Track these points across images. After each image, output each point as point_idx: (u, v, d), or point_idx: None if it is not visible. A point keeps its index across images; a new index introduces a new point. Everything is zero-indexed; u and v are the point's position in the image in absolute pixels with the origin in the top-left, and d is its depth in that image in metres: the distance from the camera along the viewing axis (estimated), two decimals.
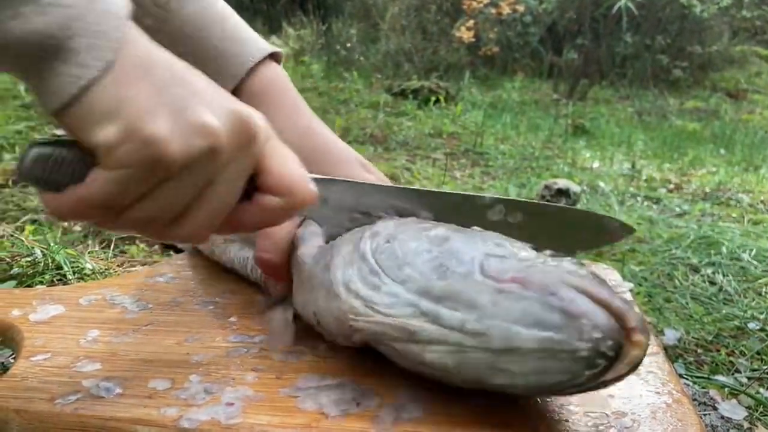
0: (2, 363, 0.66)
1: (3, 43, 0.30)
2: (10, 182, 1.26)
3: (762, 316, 1.03)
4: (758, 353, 0.91)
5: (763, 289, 1.18)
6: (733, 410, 0.73)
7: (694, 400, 0.76)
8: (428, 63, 5.44)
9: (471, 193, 0.53)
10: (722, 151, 3.32)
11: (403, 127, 2.80)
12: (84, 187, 0.34)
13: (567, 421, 0.40)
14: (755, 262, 1.32)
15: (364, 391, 0.42)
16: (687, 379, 0.82)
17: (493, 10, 5.81)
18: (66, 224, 1.03)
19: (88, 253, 0.93)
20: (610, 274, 0.70)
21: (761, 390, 0.80)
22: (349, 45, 5.70)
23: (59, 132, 1.73)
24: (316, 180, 0.43)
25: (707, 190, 2.24)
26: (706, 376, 0.83)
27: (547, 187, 1.77)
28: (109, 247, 0.96)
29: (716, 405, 0.75)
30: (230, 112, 0.35)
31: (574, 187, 1.76)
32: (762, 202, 2.09)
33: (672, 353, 0.91)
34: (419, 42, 5.62)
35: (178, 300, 0.58)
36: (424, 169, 2.03)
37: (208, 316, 0.55)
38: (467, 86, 4.74)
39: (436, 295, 0.38)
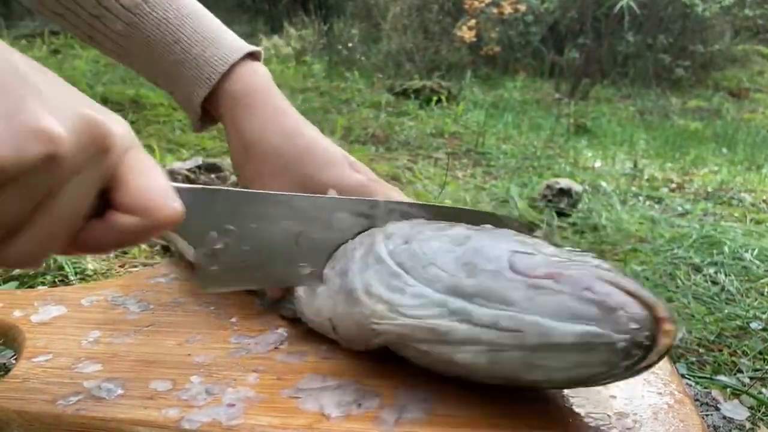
0: (4, 364, 0.66)
1: None
2: None
3: (764, 316, 1.03)
4: (760, 353, 0.91)
5: (766, 289, 1.18)
6: (735, 410, 0.73)
7: (696, 400, 0.75)
8: (430, 63, 5.44)
9: (365, 198, 0.51)
10: (724, 150, 3.32)
11: (404, 126, 2.80)
12: None
13: (570, 422, 0.40)
14: (757, 262, 1.32)
15: (366, 392, 0.42)
16: (689, 379, 0.82)
17: (495, 10, 5.81)
18: None
19: None
20: None
21: (763, 390, 0.80)
22: (350, 45, 5.70)
23: None
24: (192, 191, 0.40)
25: (709, 189, 2.24)
26: (708, 376, 0.83)
27: (548, 186, 1.77)
28: None
29: (718, 405, 0.75)
30: (78, 117, 0.30)
31: (576, 187, 1.76)
32: (764, 201, 2.09)
33: (674, 353, 0.91)
34: (421, 42, 5.62)
35: (179, 301, 0.59)
36: (425, 168, 2.02)
37: (209, 317, 0.55)
38: (469, 86, 4.74)
39: (467, 293, 0.39)
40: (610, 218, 1.68)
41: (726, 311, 1.05)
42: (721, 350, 0.92)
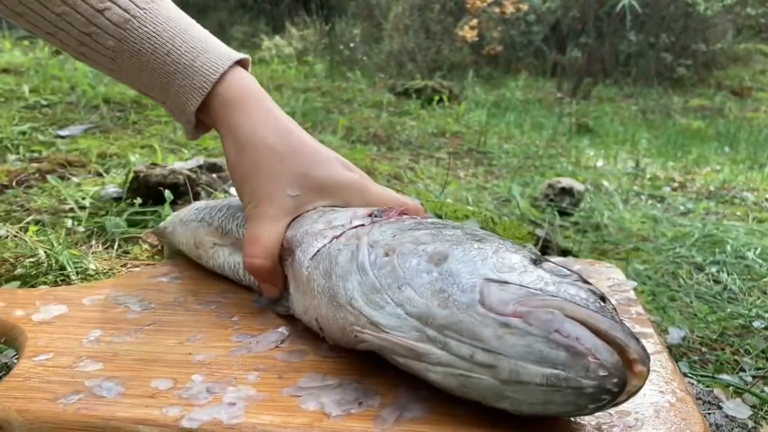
0: (5, 363, 0.66)
1: None
2: (14, 182, 1.26)
3: (767, 315, 1.02)
4: (763, 352, 0.90)
5: None
6: (738, 409, 0.73)
7: (699, 398, 0.75)
8: (431, 62, 5.44)
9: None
10: (727, 149, 3.31)
11: (406, 126, 2.80)
12: None
13: (571, 420, 0.40)
14: (760, 261, 1.32)
15: (366, 390, 0.42)
16: (691, 377, 0.82)
17: (497, 9, 5.81)
18: (70, 225, 1.03)
19: (92, 253, 0.93)
20: (613, 272, 0.70)
21: (766, 389, 0.80)
22: (352, 45, 5.70)
23: (63, 133, 1.73)
24: None
25: (711, 188, 2.24)
26: (710, 374, 0.83)
27: (550, 186, 1.76)
28: (113, 247, 0.96)
29: (721, 404, 0.74)
30: None
31: (578, 186, 1.76)
32: (767, 200, 2.08)
33: (676, 352, 0.90)
34: (422, 41, 5.62)
35: (180, 300, 0.59)
36: (427, 168, 2.02)
37: (210, 316, 0.55)
38: (471, 85, 4.74)
39: (439, 323, 0.38)
40: (612, 217, 1.68)
41: (728, 310, 1.05)
42: (723, 349, 0.92)
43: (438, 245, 0.43)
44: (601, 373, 0.35)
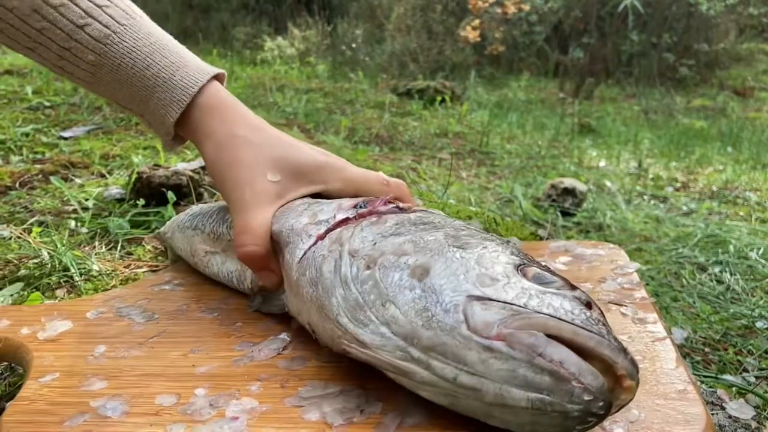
0: (9, 365, 0.66)
1: None
2: (17, 184, 1.26)
3: None
4: (766, 352, 0.90)
5: None
6: (741, 410, 0.73)
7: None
8: (434, 63, 5.44)
9: None
10: (729, 149, 3.31)
11: (408, 127, 2.80)
12: None
13: None
14: (763, 261, 1.31)
15: (368, 396, 0.42)
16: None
17: (499, 10, 5.81)
18: (73, 226, 1.03)
19: (95, 254, 0.93)
20: (616, 254, 0.69)
21: None
22: (354, 45, 5.70)
23: (66, 134, 1.73)
24: None
25: (714, 188, 2.23)
26: (713, 375, 0.83)
27: (553, 186, 1.76)
28: (116, 248, 0.96)
29: (724, 404, 0.74)
30: None
31: (581, 187, 1.75)
32: None
33: (679, 352, 0.90)
34: (425, 42, 5.62)
35: (183, 308, 0.59)
36: (429, 169, 2.02)
37: (213, 324, 0.55)
38: (473, 86, 4.74)
39: (423, 345, 0.38)
40: (615, 218, 1.68)
41: (731, 310, 1.05)
42: (726, 349, 0.92)
43: (419, 257, 0.43)
44: (586, 397, 0.35)
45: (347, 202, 0.54)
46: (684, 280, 1.21)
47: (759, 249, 1.38)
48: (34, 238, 0.96)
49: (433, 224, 0.48)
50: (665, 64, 5.87)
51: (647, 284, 1.18)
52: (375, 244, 0.46)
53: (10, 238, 0.97)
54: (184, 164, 1.31)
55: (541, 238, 1.17)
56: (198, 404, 0.42)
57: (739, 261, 1.32)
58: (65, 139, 1.71)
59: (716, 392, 0.77)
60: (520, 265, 0.42)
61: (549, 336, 0.36)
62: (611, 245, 0.72)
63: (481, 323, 0.37)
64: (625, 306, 0.56)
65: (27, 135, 1.69)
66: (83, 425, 0.41)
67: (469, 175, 2.10)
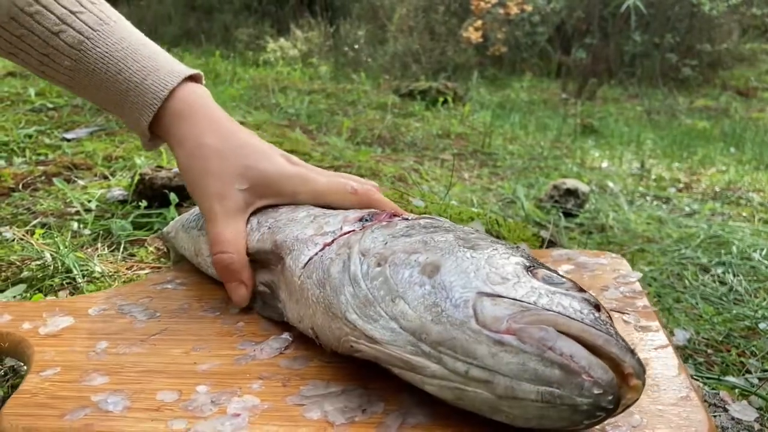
0: (12, 367, 0.67)
1: None
2: (20, 185, 1.26)
3: None
4: None
5: None
6: (744, 411, 0.72)
7: (704, 401, 0.75)
8: (436, 64, 5.44)
9: None
10: (732, 149, 3.30)
11: (411, 128, 2.80)
12: None
13: None
14: (766, 262, 1.31)
15: (370, 396, 0.42)
16: (697, 379, 0.81)
17: (501, 10, 5.81)
18: (76, 227, 1.03)
19: (98, 256, 0.94)
20: (618, 263, 0.69)
21: None
22: (356, 46, 5.70)
23: (68, 136, 1.74)
24: None
25: (717, 189, 2.23)
26: (716, 376, 0.83)
27: (555, 187, 1.76)
28: (118, 249, 0.96)
29: (726, 406, 0.74)
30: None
31: (583, 187, 1.75)
32: None
33: (682, 354, 0.90)
34: (427, 43, 5.62)
35: (185, 307, 0.59)
36: (432, 170, 2.02)
37: (214, 323, 0.55)
38: (475, 86, 4.74)
39: (432, 339, 0.38)
40: (618, 218, 1.68)
41: (734, 311, 1.05)
42: (729, 351, 0.92)
43: (430, 255, 0.43)
44: (596, 391, 0.35)
45: (353, 215, 0.55)
46: (687, 281, 1.21)
47: (762, 250, 1.38)
48: (37, 239, 0.97)
49: (443, 228, 0.48)
50: (668, 64, 5.86)
51: (650, 285, 1.18)
52: (386, 243, 0.46)
53: (13, 240, 0.97)
54: None
55: (543, 239, 1.17)
56: (199, 401, 0.42)
57: (742, 262, 1.31)
58: (68, 140, 1.72)
59: (719, 394, 0.77)
60: (530, 266, 0.42)
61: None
62: (613, 254, 0.72)
63: (491, 318, 0.38)
64: (628, 314, 0.56)
65: (30, 137, 1.69)
66: (84, 419, 0.41)
67: (472, 176, 2.10)
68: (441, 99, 3.60)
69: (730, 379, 0.82)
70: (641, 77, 5.79)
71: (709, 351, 0.92)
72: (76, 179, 1.35)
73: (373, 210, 0.57)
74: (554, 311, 0.37)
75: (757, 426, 0.72)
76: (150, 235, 1.02)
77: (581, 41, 5.94)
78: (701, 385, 0.80)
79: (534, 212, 1.61)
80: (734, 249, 1.39)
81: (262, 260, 0.56)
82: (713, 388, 0.79)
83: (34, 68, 0.62)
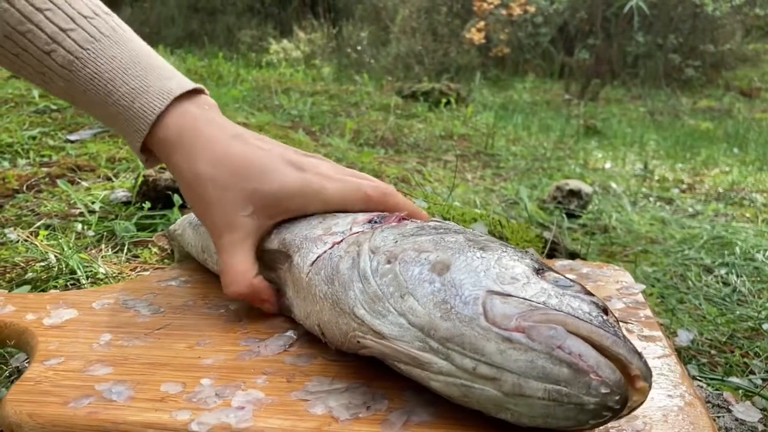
0: (17, 367, 0.67)
1: None
2: (24, 187, 1.27)
3: None
4: None
5: None
6: (747, 412, 0.72)
7: (708, 402, 0.75)
8: (439, 65, 5.44)
9: None
10: (736, 150, 3.30)
11: (413, 129, 2.80)
12: None
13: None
14: None
15: (374, 394, 0.42)
16: (700, 380, 0.81)
17: (504, 11, 5.81)
18: (80, 229, 1.04)
19: (101, 257, 0.94)
20: (621, 275, 0.70)
21: None
22: (359, 48, 5.71)
23: (72, 138, 1.74)
24: None
25: (720, 190, 2.23)
26: (719, 377, 0.83)
27: (558, 188, 1.76)
28: (122, 251, 0.96)
29: (730, 407, 0.74)
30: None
31: (586, 188, 1.75)
32: None
33: (685, 354, 0.90)
34: (430, 44, 5.62)
35: (189, 304, 0.59)
36: (435, 171, 2.02)
37: (219, 320, 0.55)
38: (478, 87, 4.74)
39: (441, 336, 0.39)
40: (621, 219, 1.68)
41: (738, 312, 1.05)
42: (732, 351, 0.92)
43: (440, 254, 0.43)
44: (603, 390, 0.35)
45: (362, 217, 0.54)
46: (690, 282, 1.21)
47: (765, 251, 1.37)
48: (41, 241, 0.97)
49: (453, 230, 0.48)
50: (671, 65, 5.85)
51: (653, 286, 1.18)
52: (396, 242, 0.46)
53: (18, 241, 0.98)
54: None
55: (546, 241, 1.17)
56: (204, 393, 0.42)
57: (746, 263, 1.31)
58: (72, 142, 1.72)
59: (722, 395, 0.77)
60: (539, 269, 0.42)
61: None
62: (616, 266, 0.72)
63: (500, 315, 0.38)
64: (631, 324, 0.56)
65: (34, 138, 1.70)
66: (88, 407, 0.41)
67: (474, 177, 2.10)
68: (444, 100, 3.61)
69: (734, 380, 0.82)
70: (644, 78, 5.79)
71: (713, 352, 0.92)
72: (79, 181, 1.35)
73: (382, 213, 0.56)
74: (564, 311, 0.38)
75: (760, 427, 0.72)
76: (153, 236, 1.02)
77: (584, 42, 5.94)
78: (704, 386, 0.80)
79: (537, 213, 1.61)
80: (737, 250, 1.38)
81: (268, 260, 0.56)
82: (717, 389, 0.79)
83: (39, 85, 0.61)
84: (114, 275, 0.89)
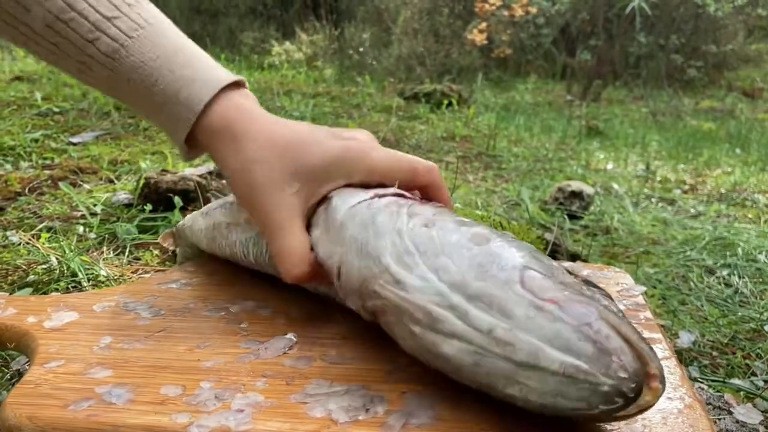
0: (18, 370, 0.67)
1: None
2: (26, 189, 1.27)
3: None
4: None
5: None
6: (749, 414, 0.72)
7: (709, 404, 0.75)
8: (441, 66, 5.44)
9: None
10: (738, 150, 3.29)
11: (415, 130, 2.80)
12: None
13: (578, 428, 0.40)
14: None
15: (374, 396, 0.42)
16: (702, 382, 0.81)
17: (506, 12, 5.81)
18: (81, 231, 1.04)
19: (103, 259, 0.94)
20: (622, 277, 0.70)
21: None
22: (361, 49, 5.71)
23: (75, 140, 1.75)
24: None
25: (723, 190, 2.23)
26: (721, 379, 0.83)
27: (560, 189, 1.76)
28: (123, 253, 0.97)
29: (731, 409, 0.74)
30: None
31: (588, 190, 1.75)
32: None
33: (687, 356, 0.90)
34: (432, 45, 5.62)
35: (189, 306, 0.59)
36: None
37: (219, 323, 0.55)
38: (480, 89, 4.74)
39: (470, 293, 0.38)
40: (623, 221, 1.68)
41: (740, 313, 1.05)
42: (734, 353, 0.92)
43: (480, 228, 0.43)
44: (621, 374, 0.34)
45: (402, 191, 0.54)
46: (692, 283, 1.20)
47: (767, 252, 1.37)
48: (43, 243, 0.97)
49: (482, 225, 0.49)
50: (673, 65, 5.85)
51: (655, 287, 1.18)
52: (434, 214, 0.46)
53: (20, 244, 0.98)
54: (191, 169, 1.32)
55: (547, 242, 1.17)
56: (203, 396, 0.42)
57: (748, 264, 1.31)
58: (74, 144, 1.73)
59: (723, 396, 0.77)
60: (569, 269, 0.42)
61: None
62: (617, 268, 0.72)
63: (537, 287, 0.38)
64: None
65: (36, 141, 1.70)
66: (88, 410, 0.41)
67: (476, 178, 2.10)
68: (445, 101, 3.61)
69: (735, 381, 0.82)
70: (646, 78, 5.78)
71: (714, 353, 0.92)
72: (81, 183, 1.36)
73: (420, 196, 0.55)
74: (597, 302, 0.38)
75: (762, 429, 0.72)
76: (155, 238, 1.03)
77: (586, 43, 5.94)
78: (706, 387, 0.80)
79: (539, 215, 1.61)
80: (740, 251, 1.38)
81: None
82: (718, 391, 0.79)
83: (75, 75, 0.60)
84: (115, 278, 0.89)
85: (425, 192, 0.57)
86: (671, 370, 0.48)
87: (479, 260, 0.40)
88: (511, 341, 0.36)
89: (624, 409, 0.35)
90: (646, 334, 0.55)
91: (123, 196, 1.22)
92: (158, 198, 1.15)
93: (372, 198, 0.50)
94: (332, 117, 2.85)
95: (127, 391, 0.43)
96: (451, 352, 0.39)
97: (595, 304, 0.38)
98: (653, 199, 2.04)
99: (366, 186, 0.54)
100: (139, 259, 0.97)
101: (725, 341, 0.95)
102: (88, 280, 0.87)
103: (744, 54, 6.27)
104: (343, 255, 0.47)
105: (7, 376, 0.67)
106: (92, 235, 1.04)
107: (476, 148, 2.60)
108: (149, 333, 0.53)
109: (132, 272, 0.91)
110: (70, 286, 0.86)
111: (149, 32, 0.57)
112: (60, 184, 1.28)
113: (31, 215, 1.15)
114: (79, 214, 1.14)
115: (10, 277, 0.88)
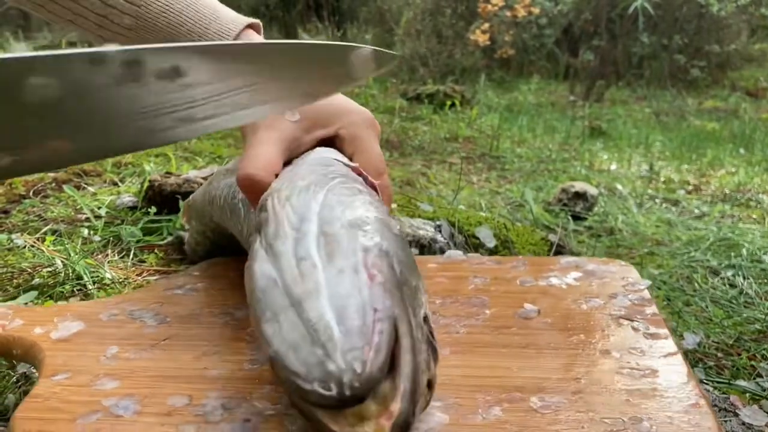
0: (24, 373, 0.67)
1: None
2: (31, 192, 1.27)
3: None
4: None
5: None
6: (755, 416, 0.72)
7: (714, 405, 0.75)
8: (444, 67, 5.44)
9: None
10: (742, 150, 3.28)
11: (418, 131, 2.80)
12: None
13: (582, 428, 0.40)
14: None
15: None
16: (707, 384, 0.81)
17: (508, 13, 5.80)
18: (86, 234, 1.04)
19: (108, 262, 0.94)
20: (627, 271, 0.69)
21: None
22: None
23: None
24: None
25: (727, 191, 2.22)
26: (726, 381, 0.82)
27: (564, 190, 1.76)
28: (128, 256, 0.97)
29: (737, 411, 0.74)
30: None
31: (591, 190, 1.75)
32: None
33: (692, 357, 0.90)
34: (434, 46, 5.62)
35: (195, 313, 0.59)
36: (440, 173, 2.02)
37: (225, 329, 0.56)
38: (483, 89, 4.73)
39: (322, 230, 0.39)
40: (627, 221, 1.68)
41: (745, 315, 1.04)
42: (739, 354, 0.91)
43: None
44: (356, 367, 0.31)
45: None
46: (696, 284, 1.20)
47: None
48: (48, 246, 0.97)
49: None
50: (676, 65, 5.84)
51: (659, 288, 1.18)
52: (359, 194, 0.48)
53: (24, 247, 0.98)
54: (195, 171, 1.32)
55: (551, 243, 1.16)
56: (210, 406, 0.43)
57: (752, 264, 1.31)
58: None
59: (729, 398, 0.77)
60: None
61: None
62: (622, 262, 0.72)
63: (372, 263, 0.36)
64: (637, 321, 0.56)
65: None
66: (96, 423, 0.41)
67: (480, 179, 2.10)
68: (448, 102, 3.60)
69: (741, 383, 0.82)
70: (649, 79, 5.77)
71: (720, 355, 0.91)
72: (86, 186, 1.36)
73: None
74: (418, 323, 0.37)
75: (767, 431, 0.71)
76: (160, 240, 1.03)
77: (589, 43, 5.93)
78: (711, 389, 0.80)
79: (542, 216, 1.61)
80: (744, 251, 1.38)
81: None
82: (723, 393, 0.79)
83: (91, 32, 0.61)
84: (120, 280, 0.89)
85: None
86: (677, 367, 0.48)
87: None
88: (311, 279, 0.35)
89: (334, 406, 0.31)
90: (651, 329, 0.55)
91: (127, 198, 1.22)
92: (163, 200, 1.15)
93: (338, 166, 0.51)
94: None
95: (134, 402, 0.43)
96: (259, 270, 0.38)
97: (409, 316, 0.35)
98: (657, 200, 2.03)
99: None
100: (143, 261, 0.97)
101: (730, 342, 0.94)
102: (93, 282, 0.87)
103: (747, 54, 6.25)
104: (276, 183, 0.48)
105: (14, 378, 0.67)
106: (97, 238, 1.04)
107: (479, 149, 2.60)
108: (155, 341, 0.53)
109: (137, 275, 0.91)
110: (75, 289, 0.86)
111: None
112: (64, 186, 1.28)
113: (36, 218, 1.15)
114: (84, 216, 1.14)
115: (15, 280, 0.88)
